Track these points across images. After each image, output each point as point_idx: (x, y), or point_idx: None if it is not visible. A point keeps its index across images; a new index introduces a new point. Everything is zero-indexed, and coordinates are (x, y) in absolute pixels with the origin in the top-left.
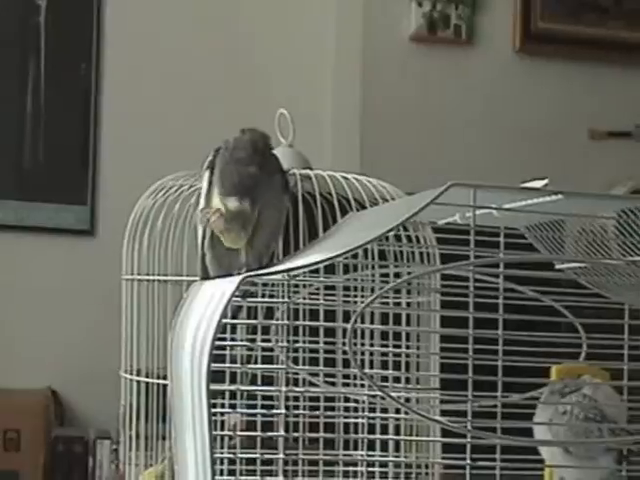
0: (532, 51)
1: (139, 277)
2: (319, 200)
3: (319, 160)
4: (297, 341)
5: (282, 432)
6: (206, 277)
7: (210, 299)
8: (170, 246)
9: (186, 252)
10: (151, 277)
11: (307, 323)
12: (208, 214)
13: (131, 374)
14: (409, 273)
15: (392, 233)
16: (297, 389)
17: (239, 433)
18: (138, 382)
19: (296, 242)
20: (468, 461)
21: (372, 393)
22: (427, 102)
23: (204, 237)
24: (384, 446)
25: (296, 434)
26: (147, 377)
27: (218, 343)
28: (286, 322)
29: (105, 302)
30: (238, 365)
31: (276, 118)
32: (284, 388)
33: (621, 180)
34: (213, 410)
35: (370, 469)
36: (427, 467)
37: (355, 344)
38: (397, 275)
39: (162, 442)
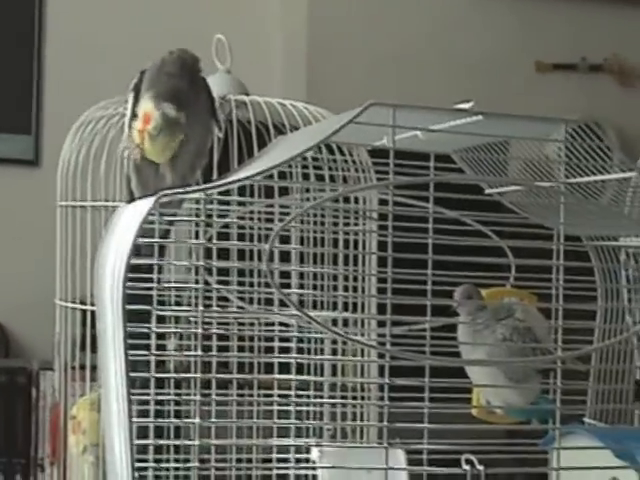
0: None
1: (72, 203)
2: (253, 127)
3: (267, 90)
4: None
5: (199, 353)
6: (132, 201)
7: (129, 220)
8: (102, 172)
9: (118, 178)
10: (84, 203)
11: (222, 243)
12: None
13: (66, 302)
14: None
15: (329, 156)
16: (214, 309)
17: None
18: (73, 310)
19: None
20: (386, 380)
21: (291, 313)
22: (375, 33)
23: (129, 160)
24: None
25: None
26: (83, 305)
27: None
28: (202, 242)
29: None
30: (155, 284)
31: (213, 43)
32: (201, 307)
33: (567, 113)
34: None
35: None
36: (363, 390)
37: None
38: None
39: (97, 370)
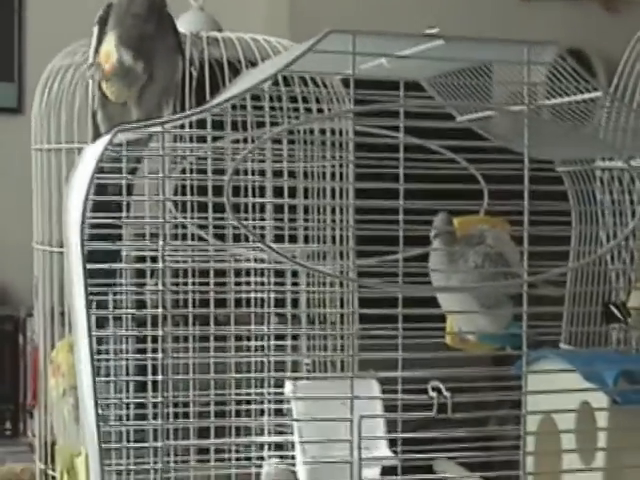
0: None
1: (47, 147)
2: (225, 64)
3: (249, 27)
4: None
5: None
6: (98, 136)
7: (89, 159)
8: (76, 114)
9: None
10: (58, 146)
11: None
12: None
13: (43, 245)
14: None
15: (304, 89)
16: (176, 243)
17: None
18: (51, 253)
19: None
20: (355, 309)
21: (253, 245)
22: None
23: (94, 95)
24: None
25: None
26: (60, 247)
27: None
28: (162, 175)
29: None
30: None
31: None
32: (162, 242)
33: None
34: None
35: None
36: (343, 322)
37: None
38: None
39: None
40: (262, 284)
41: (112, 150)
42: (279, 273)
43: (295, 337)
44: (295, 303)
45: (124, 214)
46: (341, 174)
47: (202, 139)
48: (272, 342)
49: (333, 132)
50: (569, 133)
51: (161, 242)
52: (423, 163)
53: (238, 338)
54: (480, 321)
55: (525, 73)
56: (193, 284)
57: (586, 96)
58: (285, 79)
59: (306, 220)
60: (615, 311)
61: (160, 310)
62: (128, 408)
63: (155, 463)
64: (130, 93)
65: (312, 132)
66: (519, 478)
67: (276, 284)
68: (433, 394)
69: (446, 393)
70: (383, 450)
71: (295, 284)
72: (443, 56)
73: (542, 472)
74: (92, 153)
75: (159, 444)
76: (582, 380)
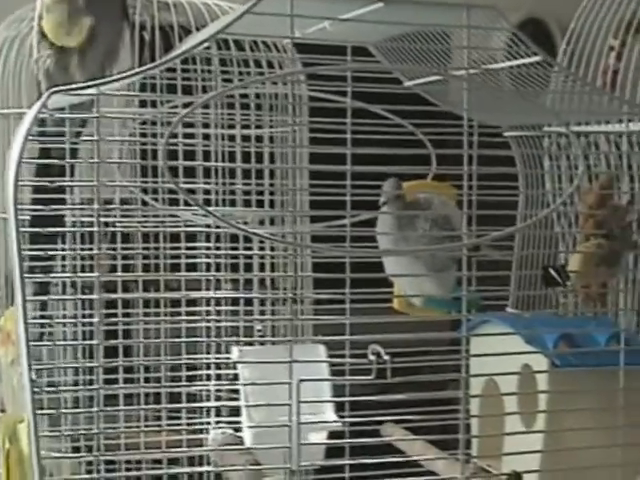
0: None
1: None
2: (176, 29)
3: None
4: None
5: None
6: None
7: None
8: (24, 80)
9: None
10: (5, 111)
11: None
12: None
13: None
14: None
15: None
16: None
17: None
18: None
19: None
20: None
21: (191, 209)
22: None
23: (40, 65)
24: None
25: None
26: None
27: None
28: (97, 138)
29: None
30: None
31: None
32: (96, 205)
33: (514, 8)
34: None
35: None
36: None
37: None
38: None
39: None
40: (208, 249)
41: (51, 113)
42: (234, 239)
43: (249, 302)
44: (249, 268)
45: (67, 178)
46: (294, 139)
47: (152, 103)
48: (217, 308)
49: (277, 96)
50: (513, 99)
51: (96, 206)
52: (372, 127)
53: (188, 303)
54: (427, 285)
55: (475, 37)
56: (146, 249)
57: (526, 60)
58: (237, 42)
59: (256, 185)
60: (554, 274)
61: (96, 275)
62: (92, 373)
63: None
64: (72, 28)
65: (259, 97)
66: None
67: (231, 249)
68: (372, 358)
69: (385, 357)
70: (329, 415)
71: (249, 249)
72: (385, 19)
73: (485, 435)
74: (28, 116)
75: (94, 409)
76: (523, 343)
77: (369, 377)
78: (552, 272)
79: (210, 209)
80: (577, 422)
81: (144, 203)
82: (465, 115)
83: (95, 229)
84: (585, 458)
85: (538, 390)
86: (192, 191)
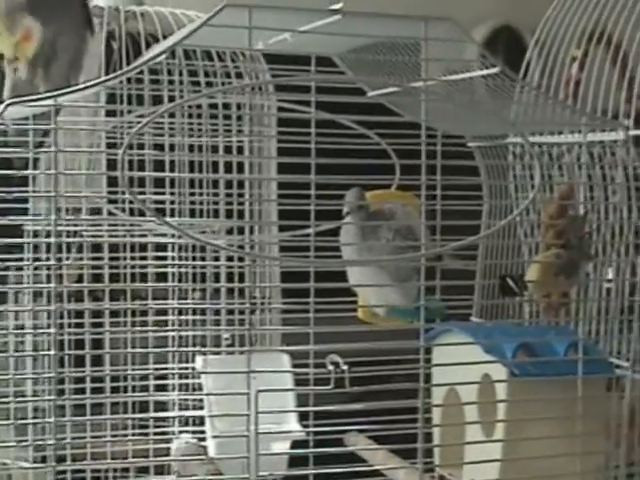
0: None
1: None
2: (143, 39)
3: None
4: None
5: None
6: None
7: None
8: None
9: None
10: None
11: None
12: None
13: None
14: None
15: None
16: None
17: None
18: None
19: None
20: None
21: (148, 219)
22: None
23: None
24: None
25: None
26: None
27: None
28: (55, 149)
29: None
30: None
31: None
32: (54, 216)
33: (490, 17)
34: None
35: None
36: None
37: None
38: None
39: None
40: (172, 259)
41: (6, 123)
42: (203, 249)
43: (218, 311)
44: (217, 277)
45: (30, 188)
46: (255, 149)
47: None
48: (181, 317)
49: (244, 107)
50: (472, 110)
51: (53, 216)
52: (338, 139)
53: (157, 313)
54: (391, 295)
55: (446, 49)
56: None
57: (484, 72)
58: (207, 52)
59: (215, 195)
60: (511, 284)
61: (53, 285)
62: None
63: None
64: (16, 42)
65: (228, 107)
66: (428, 451)
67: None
68: (330, 368)
69: (344, 367)
70: (292, 424)
71: (216, 259)
72: (345, 31)
73: (444, 444)
74: None
75: (51, 420)
76: (484, 353)
77: (327, 387)
78: (509, 282)
79: (174, 219)
80: (536, 431)
81: (111, 213)
82: (423, 125)
83: (52, 240)
84: (544, 467)
85: (497, 399)
86: (160, 201)
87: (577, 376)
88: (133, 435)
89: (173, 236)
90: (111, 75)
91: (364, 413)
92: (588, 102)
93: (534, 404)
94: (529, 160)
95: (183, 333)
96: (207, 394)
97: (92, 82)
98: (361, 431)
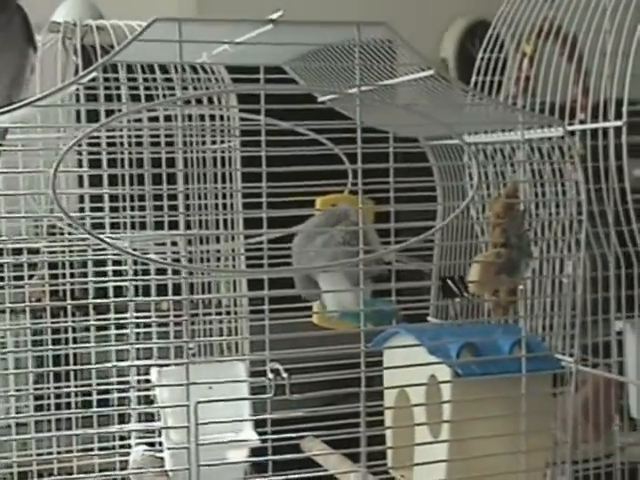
0: None
1: None
2: (99, 53)
3: (157, 10)
4: None
5: None
6: None
7: None
8: None
9: None
10: None
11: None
12: None
13: None
14: None
15: (193, 76)
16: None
17: None
18: None
19: None
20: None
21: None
22: None
23: None
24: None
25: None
26: None
27: None
28: None
29: None
30: None
31: None
32: None
33: (463, 14)
34: None
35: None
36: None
37: None
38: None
39: None
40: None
41: None
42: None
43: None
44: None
45: None
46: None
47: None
48: (137, 330)
49: (222, 118)
50: (408, 111)
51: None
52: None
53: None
54: (347, 299)
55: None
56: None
57: (420, 75)
58: (151, 66)
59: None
60: (452, 285)
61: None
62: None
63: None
64: None
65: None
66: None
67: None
68: (271, 376)
69: (284, 375)
70: (247, 432)
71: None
72: (281, 40)
73: (393, 447)
74: None
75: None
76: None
77: (268, 395)
78: (450, 283)
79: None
80: (482, 430)
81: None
82: (359, 131)
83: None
84: (491, 465)
85: (442, 400)
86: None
87: (522, 374)
88: (84, 450)
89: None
90: (44, 93)
91: (319, 418)
92: (538, 98)
93: (480, 403)
94: (483, 160)
95: (141, 345)
96: (152, 407)
97: (27, 101)
98: (317, 436)
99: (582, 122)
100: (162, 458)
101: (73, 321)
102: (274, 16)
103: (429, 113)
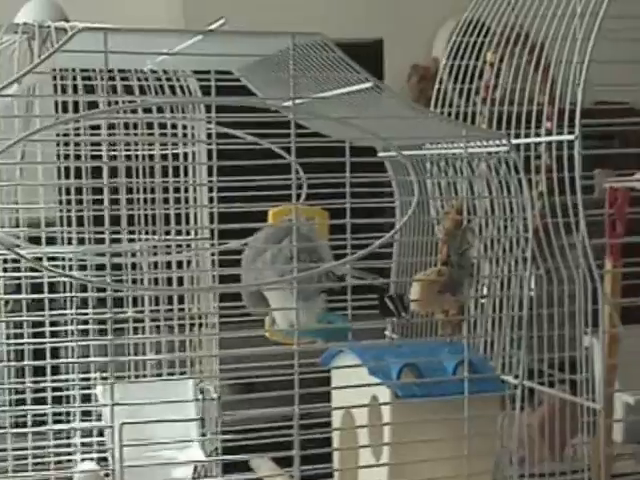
0: None
1: None
2: None
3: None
4: None
5: None
6: None
7: None
8: None
9: None
10: None
11: None
12: None
13: None
14: None
15: (156, 83)
16: None
17: None
18: None
19: None
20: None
21: None
22: None
23: None
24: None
25: None
26: None
27: None
28: None
29: None
30: None
31: None
32: None
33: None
34: None
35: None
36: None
37: None
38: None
39: None
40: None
41: None
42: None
43: None
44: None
45: None
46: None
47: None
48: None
49: (185, 127)
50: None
51: None
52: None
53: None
54: (294, 313)
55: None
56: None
57: (360, 86)
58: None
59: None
60: (389, 304)
61: None
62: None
63: None
64: None
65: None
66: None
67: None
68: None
69: (214, 394)
70: (194, 451)
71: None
72: (216, 51)
73: (340, 469)
74: None
75: None
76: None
77: (197, 417)
78: (387, 301)
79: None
80: (424, 453)
81: None
82: (292, 142)
83: None
84: None
85: (381, 422)
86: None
87: (464, 396)
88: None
89: None
90: None
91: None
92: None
93: (420, 425)
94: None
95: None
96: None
97: None
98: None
99: (549, 131)
100: (107, 475)
101: None
102: (213, 26)
103: (365, 126)
